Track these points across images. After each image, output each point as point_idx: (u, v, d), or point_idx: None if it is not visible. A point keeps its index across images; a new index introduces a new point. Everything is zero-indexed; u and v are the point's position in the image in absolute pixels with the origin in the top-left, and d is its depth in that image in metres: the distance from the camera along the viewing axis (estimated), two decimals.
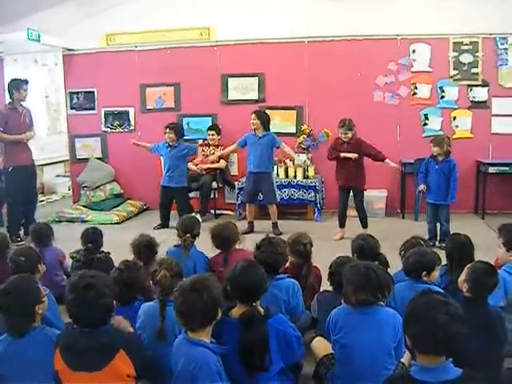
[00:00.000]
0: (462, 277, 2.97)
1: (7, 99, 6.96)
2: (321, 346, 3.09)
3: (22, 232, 6.80)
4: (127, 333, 2.78)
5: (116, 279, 3.21)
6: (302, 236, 3.92)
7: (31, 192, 7.22)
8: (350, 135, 6.39)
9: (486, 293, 2.91)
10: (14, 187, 6.84)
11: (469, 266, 3.00)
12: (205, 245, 4.38)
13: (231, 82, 8.40)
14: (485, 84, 7.79)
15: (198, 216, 7.23)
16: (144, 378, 2.62)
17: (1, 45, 8.02)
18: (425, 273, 3.30)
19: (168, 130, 7.37)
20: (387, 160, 6.50)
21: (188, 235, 4.21)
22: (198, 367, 2.36)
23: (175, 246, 4.31)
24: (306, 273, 3.78)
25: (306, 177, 7.79)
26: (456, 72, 7.82)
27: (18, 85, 6.77)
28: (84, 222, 7.74)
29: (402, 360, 2.81)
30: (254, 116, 6.92)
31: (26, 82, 6.87)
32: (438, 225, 6.22)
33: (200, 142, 8.38)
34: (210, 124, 8.36)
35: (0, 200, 7.54)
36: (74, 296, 2.43)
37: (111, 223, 7.70)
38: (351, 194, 6.62)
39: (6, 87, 6.85)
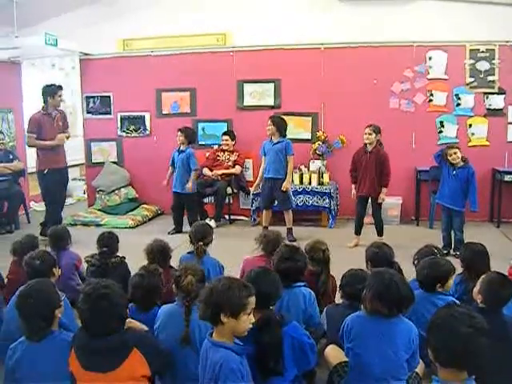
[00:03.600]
0: (477, 288, 2.95)
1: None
2: (334, 353, 3.08)
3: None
4: (140, 331, 2.78)
5: (137, 285, 3.23)
6: (319, 242, 3.91)
7: (62, 194, 7.35)
8: (373, 138, 6.27)
9: (500, 304, 2.90)
10: (50, 189, 6.98)
11: (483, 276, 2.98)
12: (218, 250, 4.43)
13: (247, 87, 8.41)
14: (501, 92, 7.73)
15: (212, 222, 7.37)
16: (160, 374, 2.63)
17: (19, 49, 8.10)
18: (439, 284, 3.28)
19: (179, 132, 7.46)
20: (384, 189, 6.36)
21: (201, 243, 4.17)
22: (219, 367, 2.34)
23: (188, 252, 4.29)
24: (325, 280, 3.76)
25: (320, 183, 7.77)
26: (472, 79, 7.77)
27: (52, 91, 6.90)
28: (99, 225, 7.81)
29: (417, 370, 2.79)
30: (269, 122, 6.94)
31: (61, 87, 7.01)
32: (453, 233, 6.16)
33: (215, 147, 8.43)
34: (225, 129, 8.39)
35: (17, 202, 7.68)
36: (87, 306, 2.41)
37: (126, 227, 7.73)
38: (369, 201, 6.55)
39: (41, 93, 6.94)
